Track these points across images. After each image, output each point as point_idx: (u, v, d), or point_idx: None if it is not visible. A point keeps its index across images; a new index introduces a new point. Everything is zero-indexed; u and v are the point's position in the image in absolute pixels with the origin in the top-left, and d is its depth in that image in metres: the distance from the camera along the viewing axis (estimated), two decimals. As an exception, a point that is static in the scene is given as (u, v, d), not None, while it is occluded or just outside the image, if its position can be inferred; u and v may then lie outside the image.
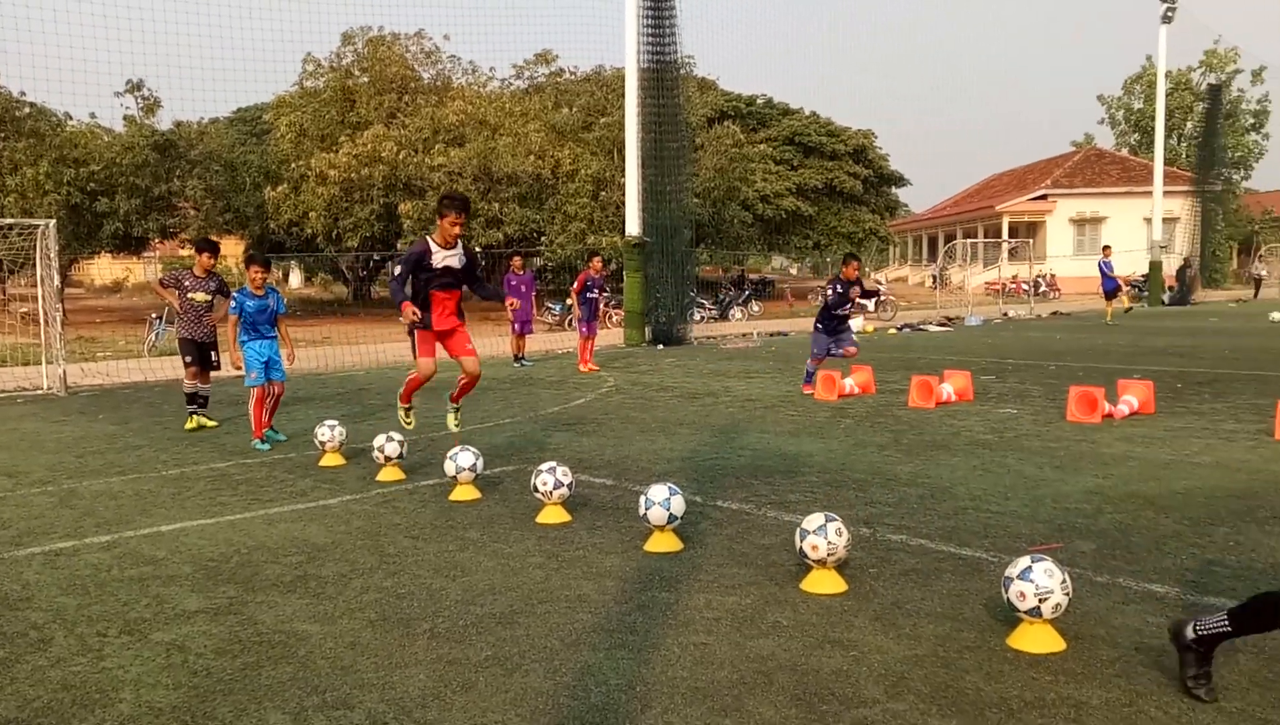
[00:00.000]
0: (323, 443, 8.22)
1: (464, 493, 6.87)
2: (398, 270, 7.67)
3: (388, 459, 7.57)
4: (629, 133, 21.72)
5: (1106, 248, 28.13)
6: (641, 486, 5.70)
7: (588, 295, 16.34)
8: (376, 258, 37.04)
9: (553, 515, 6.20)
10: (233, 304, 9.17)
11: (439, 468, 7.37)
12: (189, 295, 10.21)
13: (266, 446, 9.10)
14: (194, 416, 10.40)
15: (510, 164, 29.41)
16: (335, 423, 8.35)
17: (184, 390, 10.57)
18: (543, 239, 31.19)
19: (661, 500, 5.46)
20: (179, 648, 4.24)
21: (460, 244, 7.65)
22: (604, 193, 30.06)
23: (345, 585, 5.04)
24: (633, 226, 21.58)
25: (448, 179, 29.44)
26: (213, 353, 10.56)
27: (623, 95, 22.37)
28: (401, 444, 7.64)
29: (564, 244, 30.00)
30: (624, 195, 22.35)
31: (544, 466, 6.25)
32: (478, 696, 3.69)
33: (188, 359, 10.34)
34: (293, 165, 30.89)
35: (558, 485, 6.15)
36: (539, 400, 12.29)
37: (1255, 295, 42.42)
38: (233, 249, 35.50)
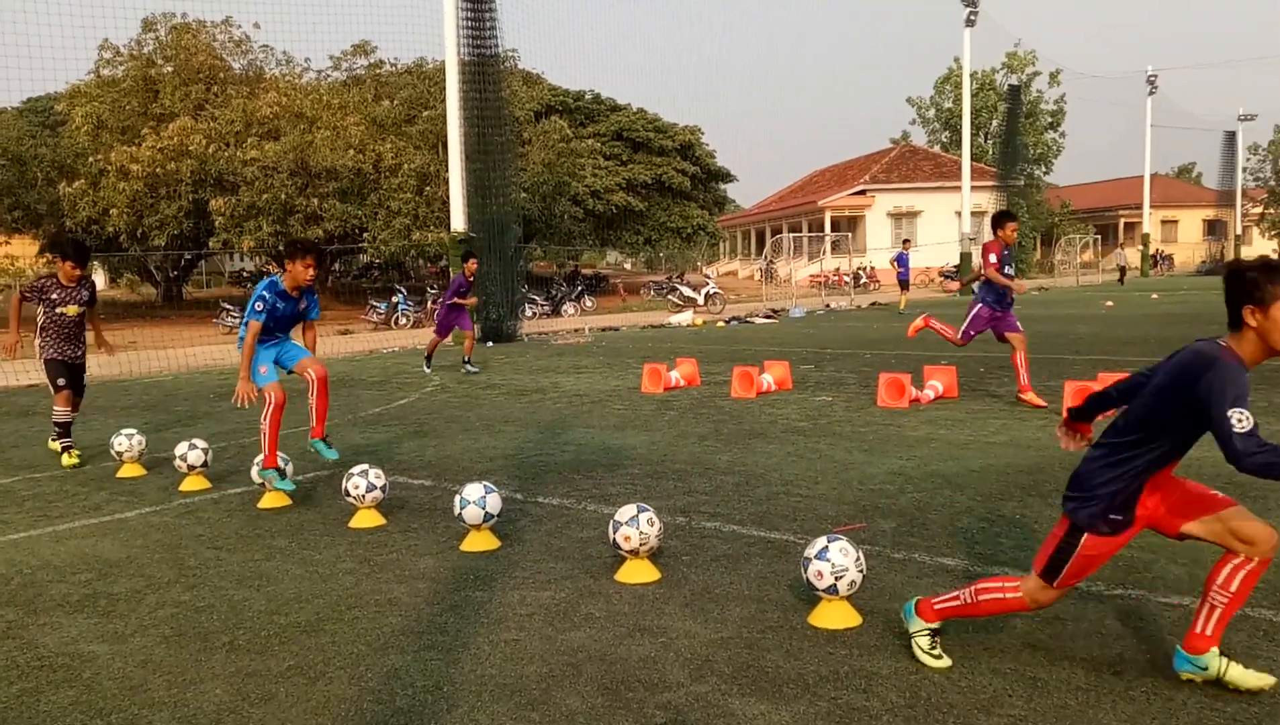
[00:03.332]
0: (120, 453, 7.76)
1: (273, 500, 6.61)
2: None
3: (191, 468, 7.21)
4: (451, 126, 21.40)
5: (906, 241, 29.86)
6: (460, 486, 5.62)
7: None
8: (188, 256, 35.24)
9: (366, 519, 6.05)
10: (258, 305, 6.40)
11: (247, 475, 7.06)
12: (57, 310, 8.38)
13: (288, 483, 6.60)
14: (71, 451, 8.50)
15: (329, 158, 28.51)
16: (134, 431, 7.89)
17: (54, 420, 8.62)
18: (365, 235, 30.37)
19: (476, 499, 5.40)
20: (-55, 679, 3.91)
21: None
22: (429, 188, 29.53)
23: (139, 602, 4.77)
24: (458, 222, 21.29)
25: (261, 173, 28.28)
26: (83, 376, 8.90)
27: (445, 88, 22.00)
28: (206, 452, 7.28)
29: (388, 241, 29.32)
30: (449, 190, 22.01)
31: (355, 469, 6.08)
32: (277, 708, 3.56)
33: (60, 382, 8.48)
34: (90, 159, 29.00)
35: (370, 488, 6.00)
36: (359, 401, 11.97)
37: (1121, 281, 45.78)
38: (25, 249, 33.06)
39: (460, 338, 15.72)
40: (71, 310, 8.45)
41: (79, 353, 8.67)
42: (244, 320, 6.44)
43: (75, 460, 8.42)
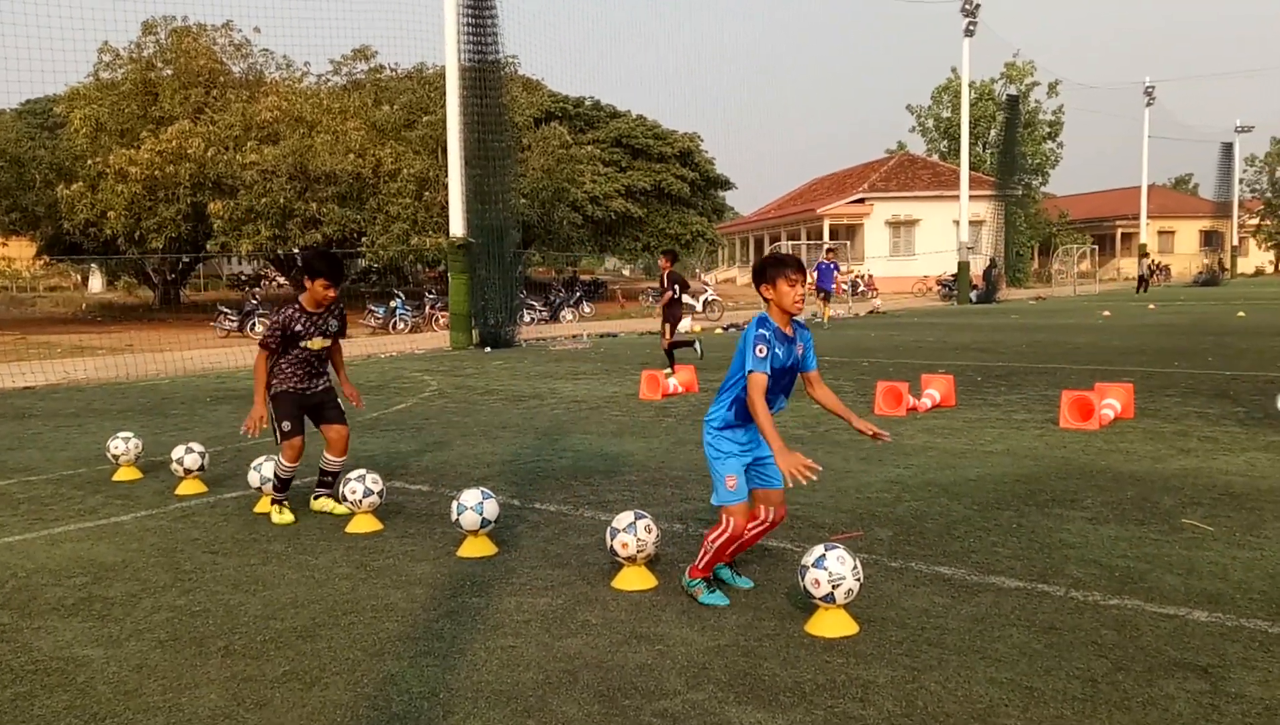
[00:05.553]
0: (116, 456, 7.74)
1: (269, 505, 6.59)
2: None
3: (187, 472, 7.20)
4: (451, 132, 21.42)
5: (830, 251, 29.70)
6: (458, 492, 5.61)
7: None
8: (186, 260, 35.22)
9: (363, 524, 6.04)
10: (760, 349, 4.33)
11: (243, 479, 7.05)
12: (301, 343, 6.27)
13: (719, 596, 4.60)
14: (284, 506, 6.43)
15: (328, 162, 28.53)
16: (130, 435, 7.87)
17: (276, 473, 6.39)
18: (364, 240, 30.36)
19: (474, 504, 5.39)
20: (-61, 683, 3.90)
21: None
22: (428, 193, 29.55)
23: (134, 605, 4.76)
24: (457, 227, 21.30)
25: (261, 177, 28.29)
26: (336, 402, 6.65)
27: (445, 94, 22.02)
28: (202, 455, 7.27)
29: (386, 245, 29.31)
30: (448, 195, 22.02)
31: (353, 474, 6.08)
32: (272, 713, 3.55)
33: (286, 426, 6.30)
34: (89, 162, 29.02)
35: (367, 493, 5.99)
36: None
37: (1143, 290, 46.12)
38: (22, 251, 33.09)
39: None
40: (316, 343, 6.33)
41: (319, 384, 6.51)
42: (745, 370, 4.36)
43: (290, 518, 6.36)
